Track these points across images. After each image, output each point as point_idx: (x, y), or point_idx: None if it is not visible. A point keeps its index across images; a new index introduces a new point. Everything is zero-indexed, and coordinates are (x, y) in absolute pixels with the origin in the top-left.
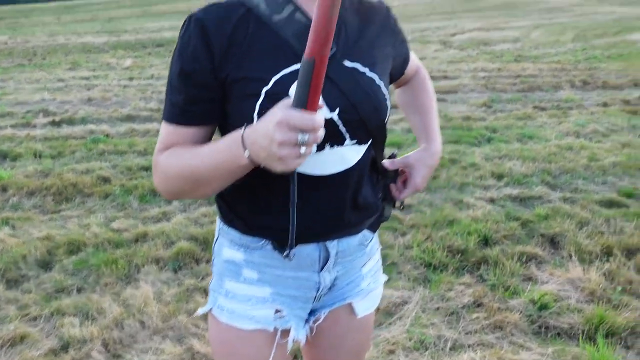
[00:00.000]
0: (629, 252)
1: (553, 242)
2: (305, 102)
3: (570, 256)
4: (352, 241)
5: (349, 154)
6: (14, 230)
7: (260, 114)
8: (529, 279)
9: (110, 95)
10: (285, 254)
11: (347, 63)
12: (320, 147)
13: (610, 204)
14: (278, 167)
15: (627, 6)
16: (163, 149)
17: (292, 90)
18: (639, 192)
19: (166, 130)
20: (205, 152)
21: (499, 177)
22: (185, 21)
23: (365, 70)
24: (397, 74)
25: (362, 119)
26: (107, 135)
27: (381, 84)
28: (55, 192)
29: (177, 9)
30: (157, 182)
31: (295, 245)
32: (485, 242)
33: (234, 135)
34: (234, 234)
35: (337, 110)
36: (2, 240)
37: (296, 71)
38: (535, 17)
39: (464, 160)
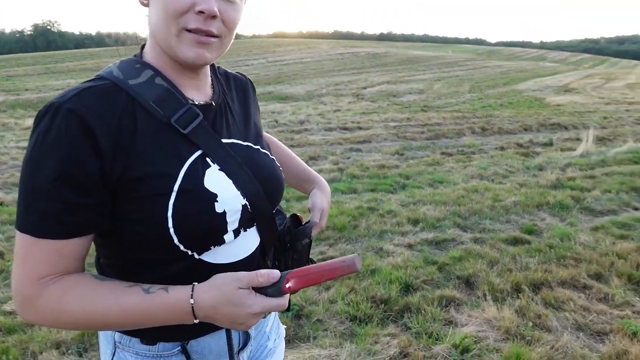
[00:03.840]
0: (535, 287)
1: (468, 283)
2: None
3: (485, 296)
4: None
5: (253, 235)
6: None
7: (175, 215)
8: (450, 322)
9: (7, 159)
10: None
11: (241, 142)
12: (237, 234)
13: (515, 241)
14: (238, 329)
15: (512, 61)
16: (39, 278)
17: (208, 183)
18: (538, 228)
19: (36, 249)
20: (130, 304)
21: (415, 222)
22: (46, 111)
23: (258, 147)
24: None
25: (269, 195)
26: (2, 204)
27: (274, 158)
28: None
29: (85, 66)
30: (35, 319)
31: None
32: (407, 289)
33: (176, 304)
34: (138, 346)
35: (247, 196)
36: None
37: (200, 157)
38: (436, 71)
39: (382, 208)
